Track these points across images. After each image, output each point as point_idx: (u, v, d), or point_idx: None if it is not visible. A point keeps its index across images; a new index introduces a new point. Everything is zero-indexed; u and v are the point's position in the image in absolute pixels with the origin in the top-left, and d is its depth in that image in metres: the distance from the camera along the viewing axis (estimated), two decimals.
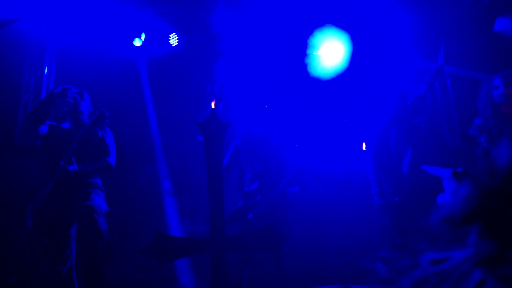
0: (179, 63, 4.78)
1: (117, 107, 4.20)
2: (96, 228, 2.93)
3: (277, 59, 4.52)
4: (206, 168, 2.44)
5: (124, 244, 3.99)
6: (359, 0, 4.26)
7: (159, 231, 2.36)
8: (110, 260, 3.04)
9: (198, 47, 4.68)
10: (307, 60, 4.60)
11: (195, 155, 4.33)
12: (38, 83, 4.35)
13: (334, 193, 4.32)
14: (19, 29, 4.03)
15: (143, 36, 4.44)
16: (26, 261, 3.49)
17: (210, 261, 2.34)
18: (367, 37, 4.54)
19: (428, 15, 4.39)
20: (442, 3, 4.39)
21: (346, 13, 4.38)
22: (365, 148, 3.47)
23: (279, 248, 2.46)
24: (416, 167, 3.11)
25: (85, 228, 2.93)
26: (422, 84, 3.37)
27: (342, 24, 4.45)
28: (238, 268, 3.15)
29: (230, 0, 4.01)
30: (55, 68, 4.45)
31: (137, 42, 4.45)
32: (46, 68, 4.39)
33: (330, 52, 4.59)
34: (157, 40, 4.56)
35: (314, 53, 4.64)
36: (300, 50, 4.63)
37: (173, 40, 4.57)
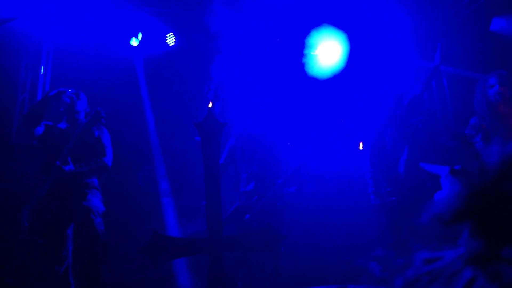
0: (177, 62, 4.77)
1: (114, 107, 4.18)
2: (93, 228, 2.92)
3: (274, 58, 4.52)
4: (203, 168, 2.44)
5: (122, 244, 3.99)
6: (356, 0, 4.27)
7: (156, 232, 2.36)
8: (107, 261, 3.03)
9: (196, 46, 4.68)
10: (304, 60, 4.60)
11: (192, 155, 4.32)
12: (34, 83, 4.33)
13: (332, 192, 4.33)
14: (15, 28, 4.01)
15: (140, 36, 4.43)
16: (22, 261, 3.47)
17: (207, 261, 2.34)
18: (364, 37, 4.54)
19: (424, 15, 4.40)
20: (438, 3, 4.40)
21: (343, 13, 4.38)
22: (362, 147, 3.47)
23: (276, 248, 2.47)
24: (413, 166, 3.12)
25: (82, 228, 2.93)
26: (418, 83, 3.39)
27: (339, 23, 4.46)
28: (234, 268, 3.15)
29: (227, 1, 4.00)
30: (51, 68, 4.43)
31: (134, 42, 4.43)
32: (42, 67, 4.37)
33: (327, 51, 4.59)
34: (154, 39, 4.55)
35: (312, 52, 4.64)
36: (297, 50, 4.63)
37: (170, 39, 4.56)
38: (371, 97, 3.69)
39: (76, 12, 4.07)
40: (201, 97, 4.42)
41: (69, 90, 3.11)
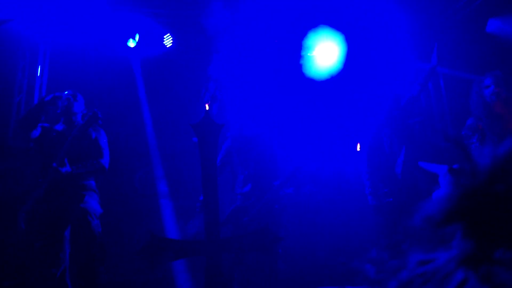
0: (174, 64, 4.77)
1: (111, 108, 4.17)
2: (90, 230, 2.91)
3: (272, 59, 4.53)
4: (200, 169, 2.44)
5: (119, 246, 3.98)
6: (353, 2, 4.28)
7: (153, 233, 2.35)
8: (104, 262, 3.03)
9: (193, 48, 4.67)
10: (301, 61, 4.61)
11: (190, 156, 4.32)
12: (31, 84, 4.31)
13: (329, 194, 4.33)
14: (12, 29, 4.00)
15: (137, 37, 4.42)
16: (19, 264, 3.46)
17: (205, 263, 2.34)
18: (361, 38, 4.56)
19: (421, 17, 4.42)
20: (434, 5, 4.42)
21: (340, 14, 4.40)
22: (359, 148, 3.48)
23: (274, 249, 2.46)
24: (410, 167, 3.13)
25: (79, 230, 2.92)
26: (415, 84, 3.40)
27: (336, 24, 4.47)
28: (230, 269, 3.15)
29: (225, 1, 4.01)
30: (48, 69, 4.41)
31: (131, 43, 4.43)
32: (39, 69, 4.35)
33: (324, 53, 4.60)
34: (151, 41, 4.55)
35: (309, 54, 4.65)
36: (294, 51, 4.64)
37: (168, 41, 4.56)
38: (368, 98, 3.70)
39: (73, 14, 4.06)
40: (198, 98, 4.42)
41: (66, 92, 3.10)
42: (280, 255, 3.30)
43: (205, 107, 3.77)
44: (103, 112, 3.09)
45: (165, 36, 4.56)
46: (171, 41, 4.57)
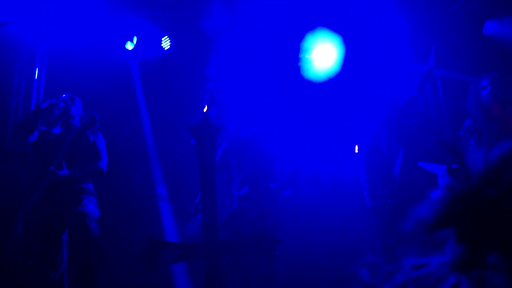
0: (172, 66, 4.77)
1: (109, 111, 4.17)
2: (88, 234, 2.90)
3: (269, 61, 4.53)
4: (198, 171, 2.44)
5: (118, 249, 3.96)
6: (351, 3, 4.29)
7: (151, 237, 2.35)
8: (102, 265, 3.01)
9: (190, 50, 4.68)
10: (299, 63, 4.62)
11: (188, 158, 4.32)
12: (28, 87, 4.30)
13: (327, 196, 4.33)
14: (9, 32, 3.99)
15: (135, 40, 4.43)
16: (17, 268, 3.44)
17: (204, 265, 2.33)
18: (359, 40, 4.57)
19: (418, 18, 4.44)
20: (431, 6, 4.44)
21: (338, 16, 4.41)
22: (358, 150, 3.49)
23: (272, 252, 2.46)
24: (408, 168, 3.14)
25: (77, 233, 2.90)
26: (413, 86, 3.41)
27: (334, 26, 4.48)
28: (227, 272, 3.13)
29: (223, 4, 4.01)
30: (46, 72, 4.41)
31: (129, 46, 4.43)
32: (37, 72, 4.35)
33: (322, 54, 4.61)
34: (149, 43, 4.55)
35: (307, 56, 4.66)
36: (292, 53, 4.65)
37: (165, 43, 4.56)
38: (366, 99, 3.70)
39: (71, 16, 4.06)
40: (196, 100, 4.42)
41: (64, 95, 3.10)
42: (278, 257, 3.30)
43: (203, 109, 3.77)
44: (101, 115, 3.08)
45: (162, 39, 4.57)
46: (169, 43, 4.58)
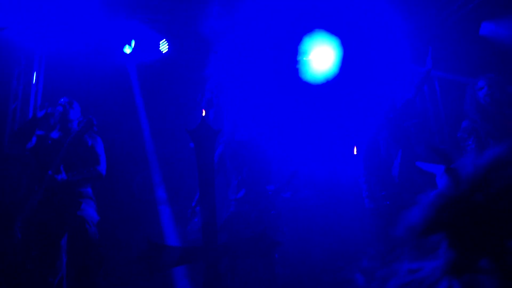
0: (170, 69, 4.77)
1: (108, 114, 4.17)
2: (88, 238, 2.89)
3: (267, 64, 4.54)
4: (197, 175, 2.44)
5: (117, 253, 3.95)
6: (348, 5, 4.31)
7: (151, 241, 2.34)
8: (101, 270, 3.00)
9: (189, 53, 4.68)
10: (297, 65, 4.63)
11: (188, 162, 4.31)
12: (26, 91, 4.30)
13: (326, 198, 4.33)
14: (6, 36, 3.99)
15: (133, 43, 4.43)
16: (16, 273, 3.43)
17: (203, 269, 2.33)
18: (357, 42, 4.59)
19: (415, 20, 4.45)
20: (428, 8, 4.46)
21: (336, 18, 4.42)
22: (356, 152, 3.49)
23: (271, 254, 2.45)
24: (407, 170, 3.15)
25: (76, 238, 2.90)
26: (411, 87, 3.43)
27: (331, 28, 4.50)
28: (225, 275, 3.13)
29: (220, 7, 4.02)
30: (44, 76, 4.40)
31: (127, 49, 4.43)
32: (35, 76, 4.34)
33: (320, 57, 4.63)
34: (147, 47, 4.55)
35: (305, 58, 4.67)
36: (290, 55, 4.66)
37: (163, 46, 4.57)
38: (364, 101, 3.71)
39: (69, 20, 4.06)
40: (195, 103, 4.43)
41: (62, 100, 3.10)
42: (277, 260, 3.29)
43: (202, 112, 3.78)
44: (99, 119, 3.08)
45: (160, 42, 4.57)
46: (167, 46, 4.58)
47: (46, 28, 4.11)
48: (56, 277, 2.83)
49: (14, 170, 3.81)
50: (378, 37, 4.47)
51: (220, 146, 3.50)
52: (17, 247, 3.08)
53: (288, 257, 3.80)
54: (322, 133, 4.45)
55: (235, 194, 3.30)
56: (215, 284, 2.30)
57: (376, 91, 3.66)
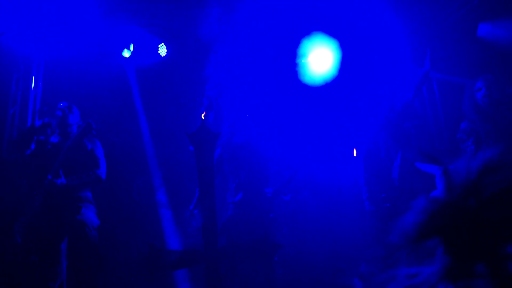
0: (169, 73, 4.78)
1: (107, 118, 4.17)
2: (88, 242, 2.89)
3: (266, 66, 4.55)
4: (197, 178, 2.44)
5: (118, 257, 3.94)
6: (346, 7, 4.32)
7: (152, 244, 2.34)
8: (102, 274, 3.00)
9: (187, 56, 4.69)
10: (296, 68, 4.64)
11: (188, 165, 4.31)
12: (25, 96, 4.29)
13: (326, 200, 4.32)
14: (5, 41, 3.99)
15: (132, 47, 4.44)
16: (16, 277, 3.41)
17: (204, 272, 2.33)
18: (355, 44, 4.60)
19: (413, 21, 4.47)
20: (426, 9, 4.48)
21: (334, 20, 4.44)
22: (356, 153, 3.49)
23: (271, 258, 2.45)
24: (406, 171, 3.15)
25: (77, 242, 2.89)
26: (410, 88, 3.43)
27: (330, 30, 4.51)
28: (225, 277, 3.11)
29: (219, 10, 4.03)
30: (42, 80, 4.40)
31: (126, 53, 4.44)
32: (33, 80, 4.34)
33: (319, 59, 4.63)
34: (146, 50, 4.56)
35: (303, 60, 4.68)
36: (289, 58, 4.67)
37: (162, 50, 4.58)
38: (363, 103, 3.72)
39: (68, 25, 4.06)
40: (194, 106, 4.43)
41: (61, 104, 3.10)
42: (276, 262, 3.28)
43: (201, 115, 3.78)
44: (99, 123, 3.08)
45: (159, 46, 4.58)
46: (166, 50, 4.59)
47: (44, 32, 4.12)
48: (56, 281, 2.82)
49: (14, 174, 3.80)
50: (377, 38, 4.48)
51: (218, 148, 3.49)
52: (17, 252, 3.07)
53: (288, 259, 3.79)
54: (322, 135, 4.46)
55: (233, 197, 3.29)
56: (216, 287, 2.30)
57: (375, 92, 3.66)
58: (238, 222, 3.21)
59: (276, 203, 3.47)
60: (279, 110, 4.34)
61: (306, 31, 4.51)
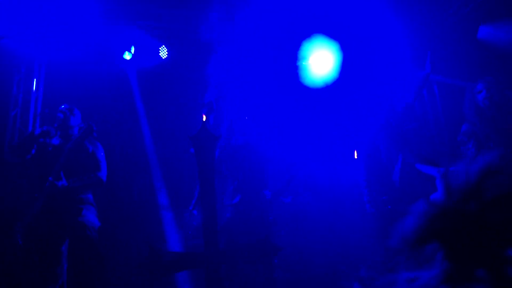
0: (170, 74, 4.79)
1: (109, 120, 4.18)
2: (89, 244, 2.89)
3: (267, 68, 4.55)
4: (197, 180, 2.44)
5: (119, 259, 3.94)
6: (346, 9, 4.33)
7: (152, 246, 2.34)
8: (103, 276, 3.00)
9: (188, 58, 4.70)
10: (296, 70, 4.64)
11: (189, 167, 4.31)
12: (26, 98, 4.31)
13: (326, 202, 4.31)
14: (7, 44, 4.01)
15: (132, 49, 4.45)
16: (16, 280, 3.41)
17: (204, 274, 2.33)
18: (356, 45, 4.60)
19: (414, 24, 4.48)
20: (427, 10, 4.48)
21: (335, 22, 4.44)
22: (357, 156, 3.49)
23: (271, 260, 2.45)
24: (407, 174, 3.15)
25: (77, 244, 2.90)
26: (410, 91, 3.44)
27: (331, 33, 4.52)
28: (226, 280, 3.11)
29: (219, 13, 4.04)
30: (44, 83, 4.41)
31: (127, 56, 4.45)
32: (35, 83, 4.35)
33: (320, 61, 4.64)
34: (147, 53, 4.58)
35: (304, 62, 4.68)
36: (289, 59, 4.67)
37: (163, 52, 4.59)
38: (364, 105, 3.72)
39: (69, 27, 4.08)
40: (195, 107, 4.44)
41: (62, 106, 3.11)
42: (276, 264, 3.27)
43: (202, 118, 3.78)
44: (100, 125, 3.09)
45: (160, 48, 4.60)
46: (166, 52, 4.60)
47: (46, 34, 4.13)
48: (56, 283, 2.82)
49: (15, 176, 3.81)
50: (377, 40, 4.49)
51: (217, 151, 3.49)
52: (18, 254, 3.07)
53: (288, 261, 3.79)
54: (322, 136, 4.46)
55: (230, 200, 3.29)
56: None
57: (375, 93, 3.66)
58: (237, 225, 3.21)
59: (275, 205, 3.46)
60: (279, 111, 4.35)
61: (306, 33, 4.51)
